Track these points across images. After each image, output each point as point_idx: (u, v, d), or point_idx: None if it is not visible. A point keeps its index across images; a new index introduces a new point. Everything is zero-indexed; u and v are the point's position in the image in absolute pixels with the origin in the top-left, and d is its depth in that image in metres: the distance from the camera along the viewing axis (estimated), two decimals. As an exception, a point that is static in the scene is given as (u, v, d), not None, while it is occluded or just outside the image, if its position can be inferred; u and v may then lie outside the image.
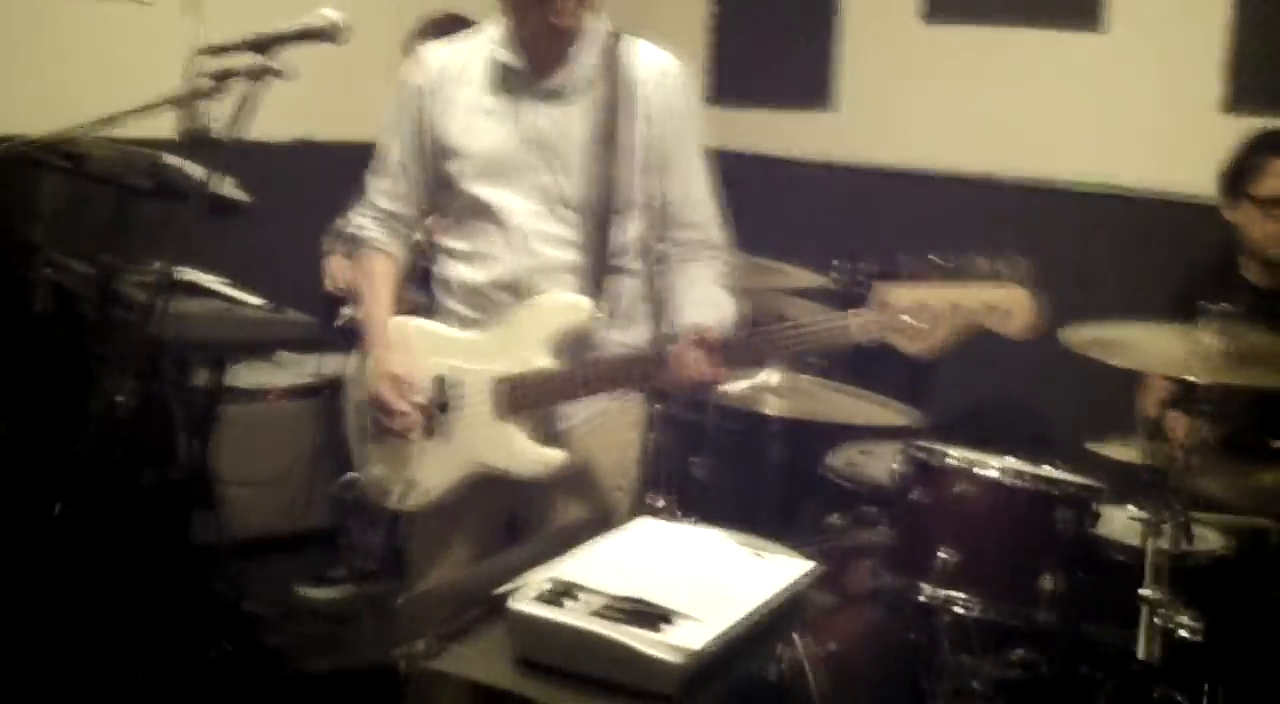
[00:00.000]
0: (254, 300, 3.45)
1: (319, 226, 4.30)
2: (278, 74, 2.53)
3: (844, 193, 4.74)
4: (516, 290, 2.56)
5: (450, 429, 2.58)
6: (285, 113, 2.76)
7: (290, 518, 4.17)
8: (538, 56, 2.55)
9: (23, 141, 2.92)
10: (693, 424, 3.46)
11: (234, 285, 3.60)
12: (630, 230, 2.61)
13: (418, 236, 2.84)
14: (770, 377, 3.26)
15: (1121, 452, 2.95)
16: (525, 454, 2.53)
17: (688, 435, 3.46)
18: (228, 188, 3.23)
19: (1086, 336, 2.71)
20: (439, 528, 2.68)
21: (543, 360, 2.50)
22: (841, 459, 3.32)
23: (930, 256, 2.25)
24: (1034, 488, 2.72)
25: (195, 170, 2.95)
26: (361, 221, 2.73)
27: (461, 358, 2.57)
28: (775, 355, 2.51)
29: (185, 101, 2.72)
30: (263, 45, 2.56)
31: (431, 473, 2.60)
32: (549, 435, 2.56)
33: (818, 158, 4.91)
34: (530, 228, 2.55)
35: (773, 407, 3.17)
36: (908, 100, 4.68)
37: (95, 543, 3.07)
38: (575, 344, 2.53)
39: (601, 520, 2.55)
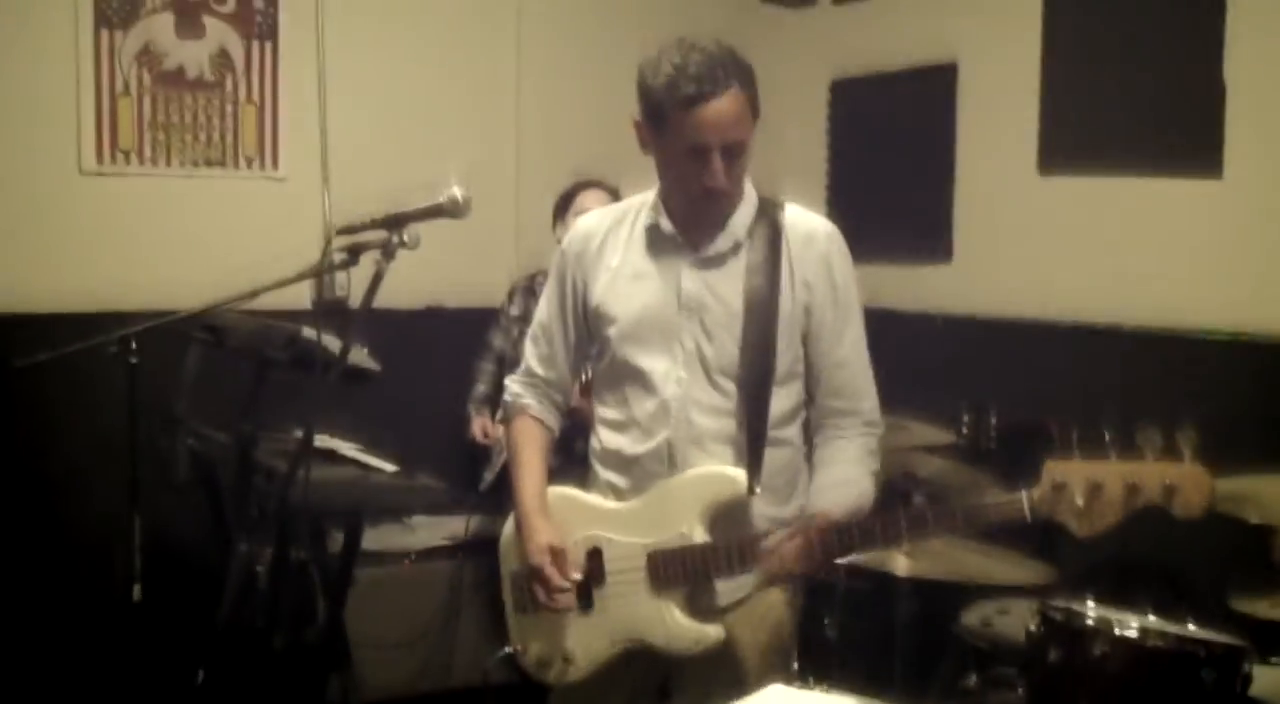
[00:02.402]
0: (387, 466, 3.53)
1: (448, 391, 4.40)
2: (407, 247, 2.63)
3: (963, 345, 4.72)
4: (671, 461, 2.51)
5: (604, 603, 2.53)
6: (414, 281, 2.85)
7: (424, 680, 4.18)
8: (692, 222, 2.53)
9: (168, 316, 3.05)
10: (822, 584, 3.43)
11: (366, 450, 3.69)
12: (787, 401, 2.55)
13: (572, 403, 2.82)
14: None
15: (1267, 609, 2.85)
16: (680, 630, 2.46)
17: (818, 595, 3.43)
18: (361, 357, 3.33)
19: (1221, 491, 2.63)
20: (588, 698, 2.63)
21: (697, 534, 2.44)
22: (976, 618, 3.26)
23: (1105, 430, 2.12)
24: (1178, 648, 2.62)
25: (331, 342, 3.05)
26: (514, 387, 2.73)
27: (615, 530, 2.54)
28: (943, 534, 2.43)
29: (320, 275, 2.84)
30: (392, 223, 2.66)
31: (586, 647, 2.55)
32: (704, 610, 2.50)
33: (935, 310, 4.91)
34: (684, 396, 2.51)
35: (902, 567, 3.13)
36: (1025, 251, 4.66)
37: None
38: (728, 518, 2.46)
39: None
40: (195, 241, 4.40)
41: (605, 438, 2.63)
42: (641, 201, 2.62)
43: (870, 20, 5.33)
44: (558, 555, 2.52)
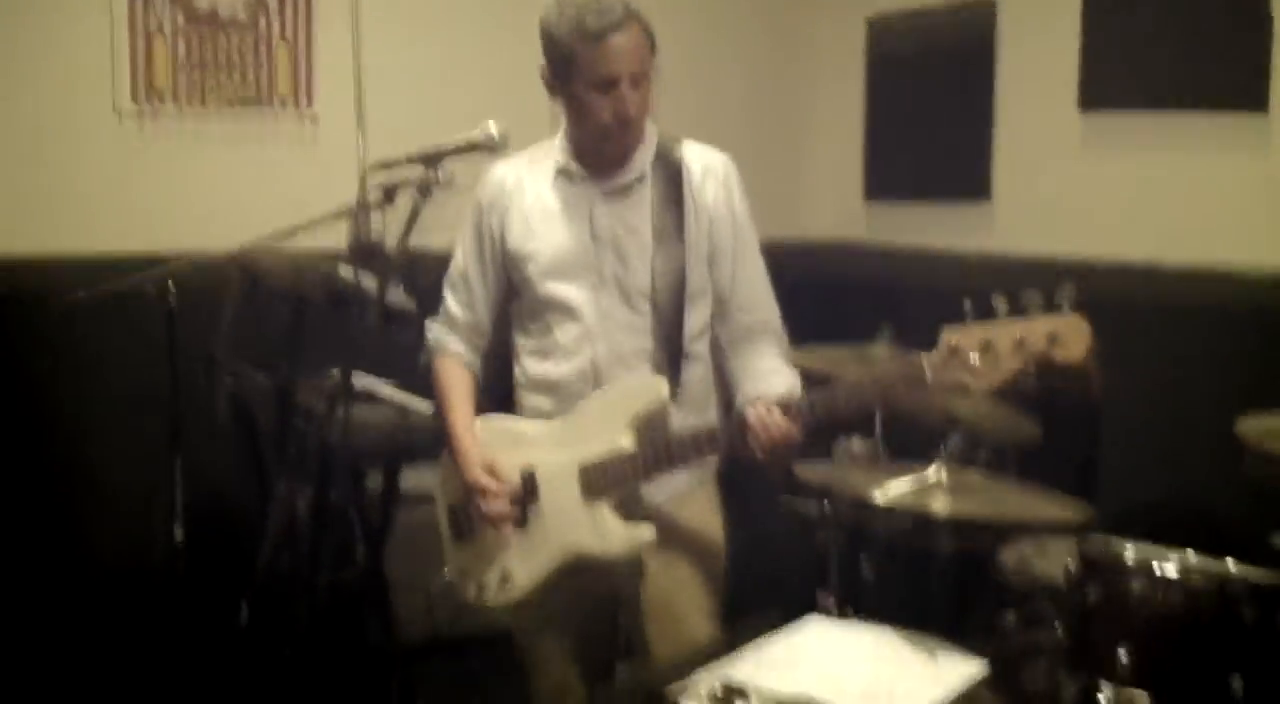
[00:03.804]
0: (425, 406, 3.54)
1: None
2: (442, 186, 2.64)
3: (1002, 284, 4.68)
4: (596, 380, 2.69)
5: (540, 520, 2.69)
6: (449, 222, 2.86)
7: (462, 622, 4.20)
8: (599, 158, 2.70)
9: (205, 259, 3.06)
10: (861, 523, 3.43)
11: (403, 390, 3.70)
12: (698, 317, 2.75)
13: None
14: (937, 474, 3.21)
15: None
16: (614, 534, 2.61)
17: (856, 535, 3.43)
18: (399, 297, 3.33)
19: (1262, 428, 2.62)
20: (540, 617, 2.78)
21: (626, 441, 2.60)
22: (1013, 556, 3.24)
23: (993, 298, 2.34)
24: (1219, 586, 2.61)
25: (368, 282, 3.06)
26: (436, 331, 2.89)
27: (545, 449, 2.69)
28: (858, 409, 2.54)
29: (356, 214, 2.84)
30: (429, 159, 2.67)
31: (524, 564, 2.70)
32: (635, 514, 2.65)
33: (974, 250, 4.87)
34: (605, 320, 2.69)
35: (940, 505, 3.12)
36: (1065, 189, 4.61)
37: (276, 647, 3.15)
38: (653, 425, 2.63)
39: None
40: (230, 181, 4.39)
41: (529, 366, 2.79)
42: (548, 146, 2.78)
43: (908, -44, 5.26)
44: (491, 469, 2.69)
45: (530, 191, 2.76)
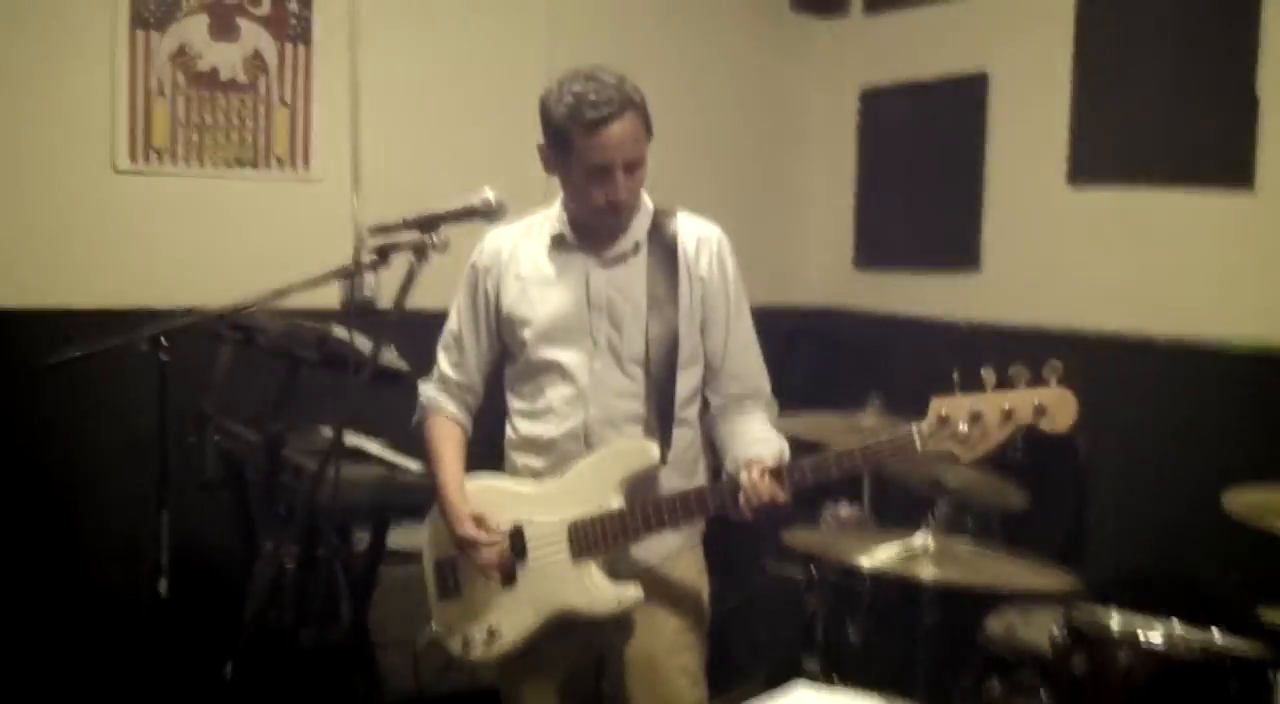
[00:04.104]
0: (414, 465, 3.55)
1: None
2: (438, 250, 2.65)
3: (991, 354, 4.70)
4: (587, 441, 2.73)
5: (528, 577, 2.72)
6: (443, 283, 2.88)
7: (447, 679, 4.19)
8: (595, 231, 2.76)
9: (199, 314, 3.07)
10: (847, 589, 3.43)
11: (393, 449, 3.71)
12: (689, 383, 2.79)
13: None
14: (924, 541, 3.22)
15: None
16: (602, 593, 2.66)
17: (843, 600, 3.43)
18: (392, 357, 3.35)
19: (1247, 502, 2.64)
20: (525, 669, 2.81)
21: (615, 502, 2.65)
22: (999, 625, 3.25)
23: (982, 370, 2.38)
24: (1203, 658, 2.62)
25: (361, 341, 3.07)
26: (429, 391, 2.93)
27: (535, 508, 2.73)
28: (848, 474, 2.58)
29: (351, 275, 2.85)
30: (426, 224, 2.68)
31: (511, 621, 2.73)
32: (623, 573, 2.70)
33: (963, 319, 4.90)
34: (598, 383, 2.73)
35: (927, 573, 3.13)
36: (1054, 261, 4.65)
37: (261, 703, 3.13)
38: (642, 487, 2.68)
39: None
40: (227, 241, 4.41)
41: (521, 427, 2.83)
42: (545, 215, 2.84)
43: (901, 30, 5.33)
44: (481, 520, 2.72)
45: (526, 257, 2.81)
